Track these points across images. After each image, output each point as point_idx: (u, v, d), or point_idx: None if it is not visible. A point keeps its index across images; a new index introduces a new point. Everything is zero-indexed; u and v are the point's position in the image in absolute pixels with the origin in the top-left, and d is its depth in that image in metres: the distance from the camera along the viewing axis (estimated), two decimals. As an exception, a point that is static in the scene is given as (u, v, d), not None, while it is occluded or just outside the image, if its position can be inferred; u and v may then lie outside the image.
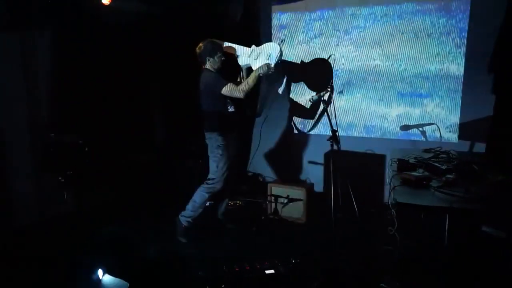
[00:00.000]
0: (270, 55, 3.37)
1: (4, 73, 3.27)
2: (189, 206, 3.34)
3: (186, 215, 3.33)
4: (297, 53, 4.35)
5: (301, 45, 4.33)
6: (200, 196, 3.34)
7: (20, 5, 3.13)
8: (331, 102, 3.44)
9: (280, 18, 4.43)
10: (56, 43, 3.66)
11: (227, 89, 3.17)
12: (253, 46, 3.50)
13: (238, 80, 3.53)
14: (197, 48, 3.30)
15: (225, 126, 3.30)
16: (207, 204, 3.48)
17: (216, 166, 3.30)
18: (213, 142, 3.30)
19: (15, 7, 3.12)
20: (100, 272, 1.58)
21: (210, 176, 3.35)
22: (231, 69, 3.52)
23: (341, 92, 4.06)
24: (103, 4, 3.68)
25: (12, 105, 3.37)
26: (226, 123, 3.31)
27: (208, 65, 3.31)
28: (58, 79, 3.68)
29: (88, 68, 3.74)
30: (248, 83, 3.23)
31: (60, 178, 3.23)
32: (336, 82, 4.17)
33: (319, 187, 4.36)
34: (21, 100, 3.46)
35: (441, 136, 3.60)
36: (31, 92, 3.51)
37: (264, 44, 3.50)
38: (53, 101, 3.66)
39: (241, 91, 3.18)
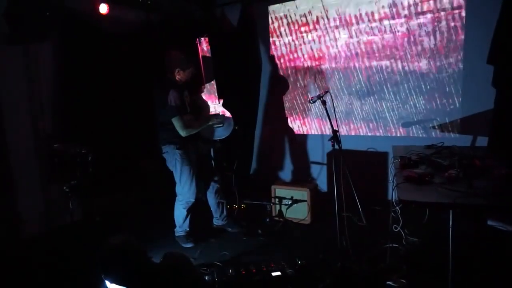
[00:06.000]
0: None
1: (8, 84, 3.31)
2: (176, 222, 3.34)
3: (178, 229, 3.35)
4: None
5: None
6: (177, 212, 3.31)
7: (22, 17, 3.16)
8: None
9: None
10: (59, 54, 3.68)
11: (176, 121, 3.02)
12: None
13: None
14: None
15: (183, 137, 3.10)
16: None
17: (179, 181, 3.19)
18: (171, 156, 3.16)
19: (17, 19, 3.16)
20: (107, 283, 1.59)
21: (176, 191, 3.25)
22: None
23: None
24: (101, 14, 3.72)
25: (16, 116, 3.40)
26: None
27: (175, 76, 3.12)
28: (61, 89, 3.71)
29: (90, 77, 3.76)
30: (195, 128, 3.15)
31: (64, 188, 3.25)
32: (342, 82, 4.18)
33: (322, 187, 4.36)
34: (25, 110, 3.48)
35: (442, 131, 3.60)
36: (35, 102, 3.54)
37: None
38: (56, 111, 3.69)
39: (185, 131, 3.05)
